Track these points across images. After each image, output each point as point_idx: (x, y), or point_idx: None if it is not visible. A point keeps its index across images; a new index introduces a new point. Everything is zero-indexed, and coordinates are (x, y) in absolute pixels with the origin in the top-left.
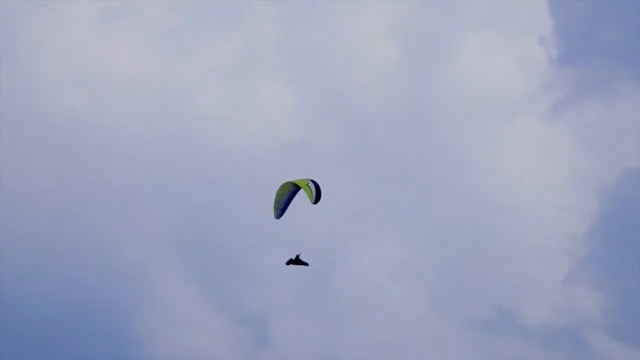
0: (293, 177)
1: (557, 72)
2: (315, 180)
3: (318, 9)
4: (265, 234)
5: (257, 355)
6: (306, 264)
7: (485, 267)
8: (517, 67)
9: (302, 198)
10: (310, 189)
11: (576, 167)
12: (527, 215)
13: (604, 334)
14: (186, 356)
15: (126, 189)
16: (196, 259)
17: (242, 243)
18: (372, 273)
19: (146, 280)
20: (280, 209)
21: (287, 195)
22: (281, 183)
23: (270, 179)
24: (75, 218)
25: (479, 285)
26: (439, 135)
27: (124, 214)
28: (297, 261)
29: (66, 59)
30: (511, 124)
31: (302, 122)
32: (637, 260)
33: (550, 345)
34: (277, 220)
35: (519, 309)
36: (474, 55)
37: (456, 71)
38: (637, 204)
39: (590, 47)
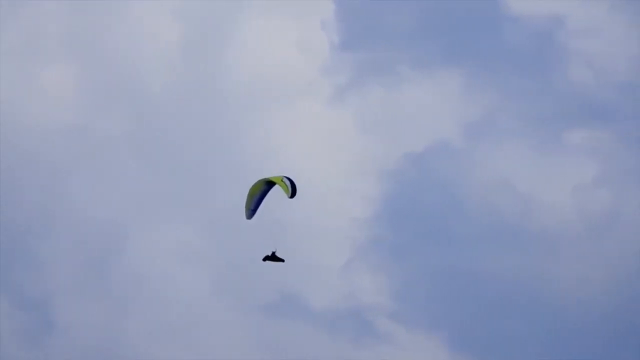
0: (267, 175)
1: (339, 57)
2: (290, 177)
3: None
4: (45, 218)
5: (40, 341)
6: (282, 261)
7: (269, 251)
8: (299, 51)
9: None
10: (286, 184)
11: (358, 152)
12: (310, 200)
13: (387, 318)
14: None
15: None
16: None
17: (22, 227)
18: (157, 257)
19: None
20: (252, 210)
21: (258, 194)
22: (253, 182)
23: (52, 164)
24: None
25: (263, 269)
26: (221, 120)
27: None
28: (273, 257)
29: None
30: (293, 109)
31: (84, 106)
32: (419, 244)
33: (335, 329)
34: (248, 220)
35: (303, 293)
36: (256, 39)
37: (238, 55)
38: (418, 188)
39: (372, 32)
